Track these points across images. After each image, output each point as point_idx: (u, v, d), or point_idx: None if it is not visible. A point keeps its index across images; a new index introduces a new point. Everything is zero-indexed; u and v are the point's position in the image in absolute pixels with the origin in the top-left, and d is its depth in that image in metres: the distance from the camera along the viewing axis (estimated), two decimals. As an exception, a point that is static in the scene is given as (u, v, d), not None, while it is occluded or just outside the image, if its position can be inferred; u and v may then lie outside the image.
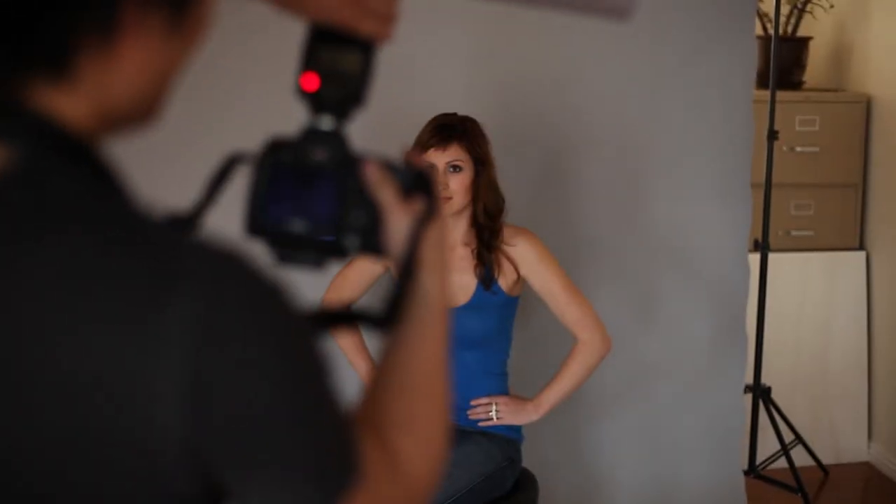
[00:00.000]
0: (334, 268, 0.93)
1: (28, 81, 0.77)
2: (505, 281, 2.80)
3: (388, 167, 1.00)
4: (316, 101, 1.01)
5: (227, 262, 0.77)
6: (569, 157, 3.36)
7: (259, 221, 0.98)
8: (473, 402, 2.83)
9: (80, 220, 0.75)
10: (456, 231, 2.82)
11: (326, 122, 1.00)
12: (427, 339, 0.99)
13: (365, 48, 1.01)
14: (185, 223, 0.93)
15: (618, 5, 1.03)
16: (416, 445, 0.93)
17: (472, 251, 2.80)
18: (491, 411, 2.82)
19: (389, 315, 0.97)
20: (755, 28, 3.53)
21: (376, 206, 0.98)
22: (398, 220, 0.98)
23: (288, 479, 0.79)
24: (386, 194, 0.98)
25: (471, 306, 2.79)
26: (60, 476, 0.73)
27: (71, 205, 0.75)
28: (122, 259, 0.74)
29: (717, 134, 3.43)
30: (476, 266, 2.79)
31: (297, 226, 0.97)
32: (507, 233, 2.80)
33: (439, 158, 2.72)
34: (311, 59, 1.01)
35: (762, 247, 4.02)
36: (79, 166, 0.78)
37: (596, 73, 3.32)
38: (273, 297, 0.79)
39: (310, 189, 0.97)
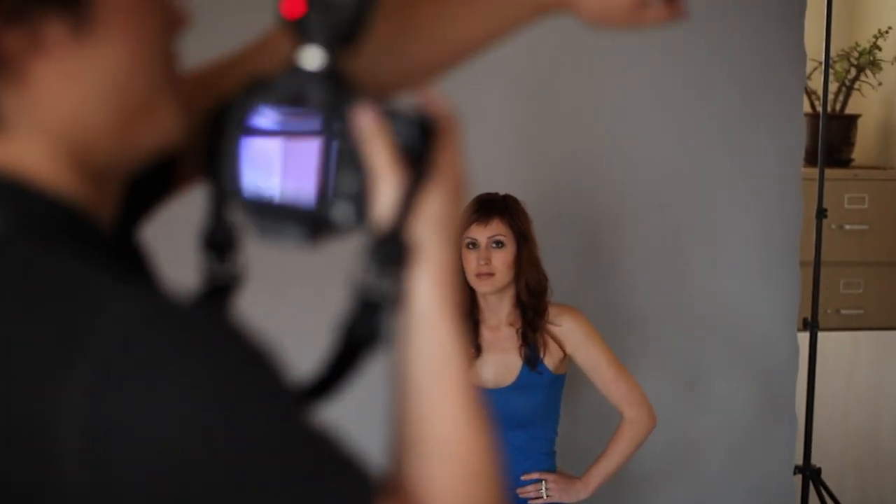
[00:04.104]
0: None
1: None
2: (551, 360, 2.78)
3: (390, 115, 0.78)
4: (301, 30, 0.79)
5: (143, 316, 0.67)
6: (612, 233, 3.35)
7: (231, 185, 0.79)
8: (524, 479, 2.81)
9: (12, 286, 0.69)
10: (500, 311, 2.81)
11: (315, 58, 0.79)
12: (430, 375, 0.77)
13: None
14: (217, 194, 0.81)
15: None
16: None
17: (517, 331, 2.79)
18: (541, 489, 2.80)
19: (366, 336, 0.77)
20: (803, 105, 3.52)
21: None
22: (388, 188, 0.76)
23: None
24: (378, 151, 0.76)
25: (516, 387, 2.77)
26: None
27: (11, 271, 0.70)
28: (25, 321, 0.67)
29: (765, 211, 3.42)
30: (521, 346, 2.78)
31: (276, 192, 0.78)
32: (552, 311, 2.79)
33: (481, 234, 2.73)
34: None
35: (811, 325, 3.96)
36: (24, 216, 0.72)
37: (639, 147, 3.33)
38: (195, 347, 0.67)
39: (290, 145, 0.78)
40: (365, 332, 0.77)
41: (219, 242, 0.82)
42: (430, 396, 0.76)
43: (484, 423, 0.77)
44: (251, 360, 0.69)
